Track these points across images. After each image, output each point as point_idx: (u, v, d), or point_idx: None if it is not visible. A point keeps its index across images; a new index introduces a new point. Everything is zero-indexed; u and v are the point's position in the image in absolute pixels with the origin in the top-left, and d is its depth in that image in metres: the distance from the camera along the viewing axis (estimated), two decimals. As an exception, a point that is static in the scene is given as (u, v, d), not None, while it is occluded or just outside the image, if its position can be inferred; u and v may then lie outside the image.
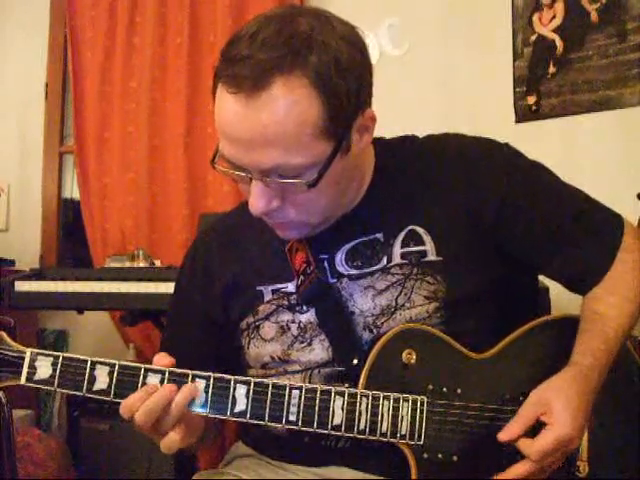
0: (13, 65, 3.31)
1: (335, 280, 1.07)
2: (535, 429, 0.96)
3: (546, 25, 2.31)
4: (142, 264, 2.46)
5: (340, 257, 1.08)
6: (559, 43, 2.28)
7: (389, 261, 1.06)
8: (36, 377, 0.95)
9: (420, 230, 1.06)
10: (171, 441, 0.94)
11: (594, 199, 1.12)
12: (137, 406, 0.92)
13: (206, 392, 0.95)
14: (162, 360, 0.96)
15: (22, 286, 2.19)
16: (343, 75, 0.91)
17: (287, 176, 0.93)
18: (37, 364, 0.95)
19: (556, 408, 0.95)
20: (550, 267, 1.11)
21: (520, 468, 0.96)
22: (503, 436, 0.97)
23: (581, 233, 1.08)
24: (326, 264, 1.08)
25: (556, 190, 1.10)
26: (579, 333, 1.04)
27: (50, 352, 0.96)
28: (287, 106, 0.88)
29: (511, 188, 1.06)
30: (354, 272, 1.07)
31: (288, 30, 0.90)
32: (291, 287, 1.09)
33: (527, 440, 0.95)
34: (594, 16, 2.22)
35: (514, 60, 2.36)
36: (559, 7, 2.29)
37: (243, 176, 0.95)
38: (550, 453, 0.94)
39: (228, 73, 0.90)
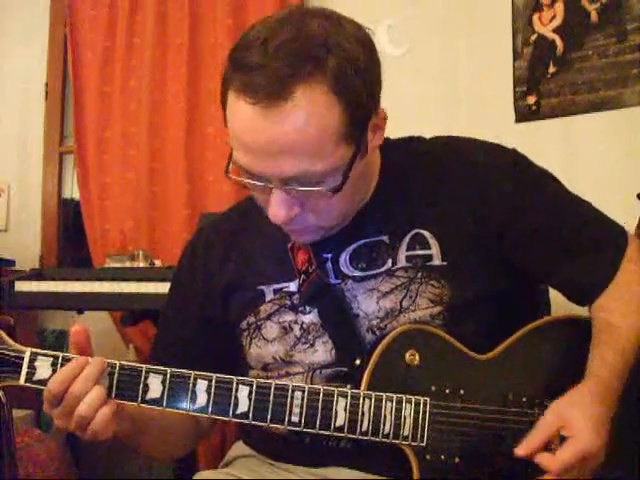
0: (13, 65, 3.31)
1: (339, 281, 1.07)
2: (552, 444, 0.94)
3: (546, 25, 2.31)
4: (142, 264, 2.46)
5: (344, 258, 1.07)
6: (559, 43, 2.28)
7: (394, 264, 1.05)
8: (35, 377, 0.93)
9: (426, 234, 1.06)
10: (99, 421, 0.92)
11: (598, 210, 1.11)
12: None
13: (207, 393, 0.95)
14: (78, 335, 0.96)
15: (22, 286, 2.19)
16: (360, 76, 0.90)
17: (309, 183, 0.92)
18: (37, 364, 0.94)
19: (576, 421, 0.93)
20: (553, 277, 1.10)
21: None
22: (521, 451, 0.93)
23: (585, 244, 1.07)
24: (330, 264, 1.08)
25: (561, 200, 1.10)
26: (593, 345, 1.03)
27: (50, 352, 0.95)
28: (309, 115, 0.87)
29: (517, 196, 1.06)
30: (358, 274, 1.06)
31: (302, 35, 0.88)
32: (293, 287, 1.09)
33: (546, 454, 0.93)
34: (594, 16, 2.22)
35: (514, 60, 2.35)
36: (559, 7, 2.29)
37: (261, 186, 0.94)
38: (571, 467, 0.92)
39: (244, 82, 0.88)
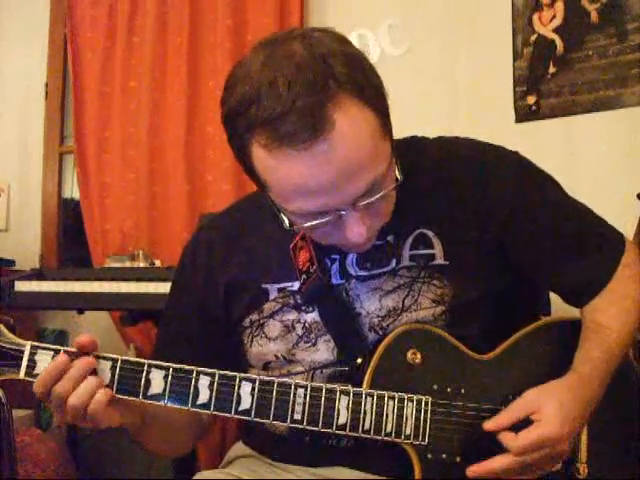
0: (13, 65, 3.31)
1: (343, 281, 1.07)
2: (523, 427, 0.95)
3: (546, 25, 2.31)
4: (142, 264, 2.47)
5: (351, 258, 1.07)
6: (559, 43, 2.28)
7: (398, 263, 1.05)
8: (36, 371, 0.94)
9: (430, 233, 1.06)
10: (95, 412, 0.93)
11: (597, 215, 1.12)
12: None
13: (210, 389, 0.95)
14: (82, 338, 0.95)
15: (22, 286, 2.19)
16: (365, 70, 0.90)
17: (379, 188, 0.91)
18: (37, 358, 0.94)
19: (547, 408, 0.95)
20: (550, 280, 1.11)
21: (499, 460, 0.95)
22: (488, 425, 0.97)
23: (583, 248, 1.08)
24: (336, 264, 1.08)
25: (561, 203, 1.10)
26: (580, 343, 1.04)
27: (50, 345, 0.95)
28: (354, 130, 0.86)
29: (519, 198, 1.06)
30: (363, 273, 1.06)
31: (300, 63, 0.85)
32: (297, 286, 1.09)
33: (510, 434, 0.95)
34: (594, 16, 2.23)
35: (514, 60, 2.36)
36: (559, 7, 2.29)
37: (328, 219, 0.92)
38: (532, 449, 0.94)
39: (276, 134, 0.85)
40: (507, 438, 0.95)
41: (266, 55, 0.88)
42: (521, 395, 1.00)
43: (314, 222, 0.93)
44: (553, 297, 1.62)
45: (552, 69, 2.29)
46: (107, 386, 0.94)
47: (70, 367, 0.93)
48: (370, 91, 0.89)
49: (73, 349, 0.95)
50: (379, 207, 0.95)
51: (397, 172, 0.95)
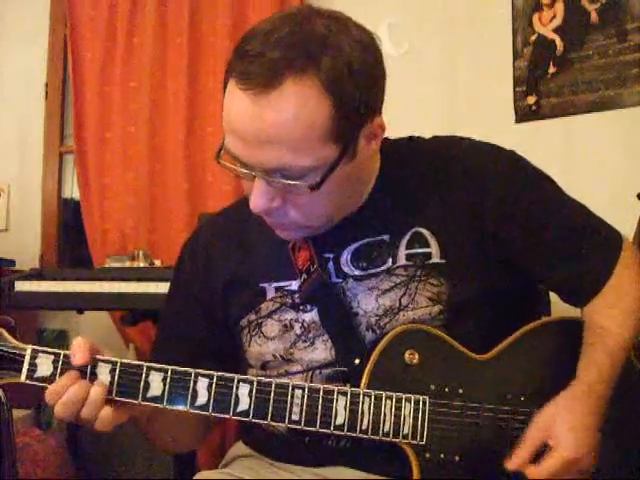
0: (13, 65, 3.31)
1: (340, 280, 1.07)
2: (543, 453, 0.95)
3: (546, 25, 2.31)
4: (142, 264, 2.46)
5: (345, 257, 1.07)
6: (559, 43, 2.28)
7: (394, 262, 1.05)
8: (37, 375, 0.95)
9: (425, 232, 1.06)
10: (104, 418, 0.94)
11: (594, 213, 1.11)
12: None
13: (208, 391, 0.95)
14: (81, 346, 0.95)
15: (22, 286, 2.19)
16: (355, 80, 0.90)
17: (290, 177, 0.93)
18: (38, 361, 0.95)
19: (560, 430, 0.94)
20: (548, 278, 1.11)
21: None
22: (511, 465, 0.95)
23: (580, 247, 1.07)
24: (331, 263, 1.08)
25: (558, 202, 1.10)
26: (583, 347, 1.03)
27: (51, 349, 0.96)
28: (296, 106, 0.88)
29: (514, 197, 1.06)
30: (359, 273, 1.06)
31: (303, 31, 0.90)
32: (295, 285, 1.09)
33: (532, 466, 0.94)
34: (594, 16, 2.23)
35: (514, 60, 2.36)
36: (559, 7, 2.29)
37: (246, 173, 0.95)
38: (557, 475, 0.93)
39: (240, 69, 0.90)
40: (530, 470, 0.94)
41: (293, 11, 0.96)
42: (525, 396, 1.00)
43: (233, 166, 0.96)
44: (553, 297, 1.62)
45: (552, 69, 2.29)
46: (108, 389, 0.94)
47: (66, 390, 0.93)
48: (344, 98, 0.90)
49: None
50: (295, 199, 0.96)
51: (322, 183, 0.93)
